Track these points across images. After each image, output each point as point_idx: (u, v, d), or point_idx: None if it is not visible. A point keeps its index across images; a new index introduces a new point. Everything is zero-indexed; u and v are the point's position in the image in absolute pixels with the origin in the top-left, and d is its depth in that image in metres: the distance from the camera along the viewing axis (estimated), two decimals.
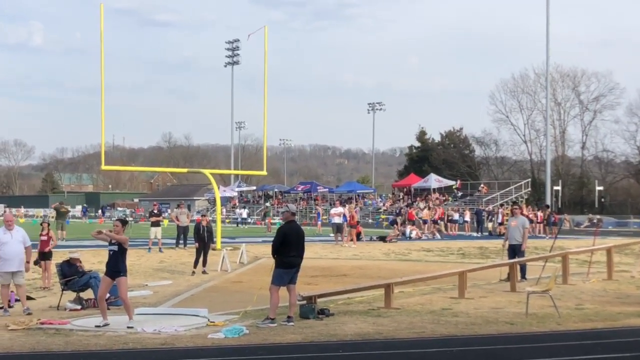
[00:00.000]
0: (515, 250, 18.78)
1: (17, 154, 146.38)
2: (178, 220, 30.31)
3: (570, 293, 16.22)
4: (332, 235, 35.30)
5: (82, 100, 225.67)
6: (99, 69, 26.85)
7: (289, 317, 12.11)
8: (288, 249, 12.21)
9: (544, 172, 63.67)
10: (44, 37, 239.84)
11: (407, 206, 50.66)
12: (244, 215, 63.09)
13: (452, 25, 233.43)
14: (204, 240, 21.43)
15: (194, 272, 20.83)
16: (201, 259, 21.21)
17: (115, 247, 12.23)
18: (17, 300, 14.98)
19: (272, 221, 50.50)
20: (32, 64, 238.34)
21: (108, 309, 14.09)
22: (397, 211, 48.91)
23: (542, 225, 43.57)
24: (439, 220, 44.83)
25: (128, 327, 11.59)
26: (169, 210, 61.73)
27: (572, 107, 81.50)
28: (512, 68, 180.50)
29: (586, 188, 76.30)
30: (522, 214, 21.97)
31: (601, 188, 69.27)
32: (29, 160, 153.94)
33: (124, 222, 13.00)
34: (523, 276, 18.39)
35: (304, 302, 12.88)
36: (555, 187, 61.46)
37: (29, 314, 13.32)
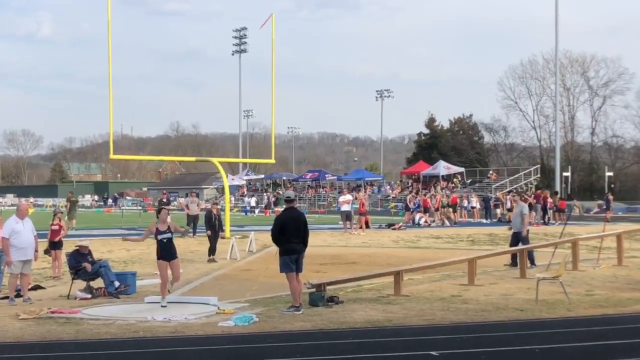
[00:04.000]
0: (517, 237, 18.82)
1: (25, 143, 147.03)
2: (188, 208, 30.33)
3: (581, 279, 16.19)
4: (340, 223, 35.32)
5: (90, 90, 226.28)
6: (106, 59, 26.90)
7: (299, 305, 12.14)
8: (288, 236, 12.14)
9: (554, 158, 63.49)
10: (52, 28, 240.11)
11: (416, 193, 50.51)
12: (253, 204, 63.16)
13: (460, 12, 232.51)
14: (215, 228, 21.52)
15: (211, 259, 20.92)
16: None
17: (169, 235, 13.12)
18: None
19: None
20: (40, 55, 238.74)
21: (118, 297, 14.17)
22: (404, 200, 48.78)
23: (552, 211, 43.42)
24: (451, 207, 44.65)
25: (162, 306, 12.48)
26: (180, 199, 61.78)
27: (581, 93, 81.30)
28: (521, 54, 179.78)
29: (596, 174, 76.04)
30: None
31: (611, 174, 68.99)
32: (38, 150, 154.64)
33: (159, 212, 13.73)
34: (532, 263, 18.35)
35: (313, 289, 12.88)
36: (565, 174, 61.25)
37: (31, 303, 13.40)
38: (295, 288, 12.10)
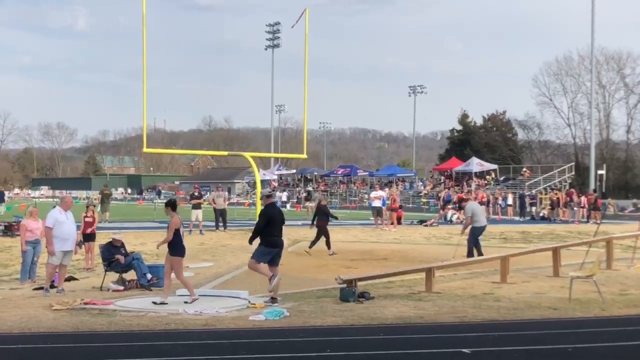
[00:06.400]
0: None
1: (60, 136, 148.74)
2: (215, 203, 30.45)
3: (615, 278, 16.00)
4: (372, 218, 35.27)
5: (124, 84, 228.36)
6: (141, 52, 26.98)
7: (272, 298, 12.41)
8: (272, 229, 12.64)
9: (588, 156, 62.75)
10: (87, 22, 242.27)
11: (448, 189, 50.25)
12: (284, 199, 63.21)
13: (494, 7, 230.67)
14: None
15: (333, 253, 21.06)
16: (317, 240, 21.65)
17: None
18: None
19: (313, 205, 50.54)
20: (75, 48, 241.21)
21: (150, 289, 14.27)
22: (438, 196, 48.56)
23: (584, 209, 42.94)
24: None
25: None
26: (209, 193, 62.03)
27: (617, 90, 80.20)
28: (556, 50, 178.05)
29: (631, 172, 75.10)
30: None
31: None
32: (72, 142, 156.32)
33: (168, 204, 13.27)
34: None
35: (345, 285, 12.87)
36: (600, 172, 60.50)
37: (64, 294, 13.54)
38: (264, 271, 12.61)
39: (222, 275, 16.73)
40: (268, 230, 12.62)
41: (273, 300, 12.35)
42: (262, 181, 55.96)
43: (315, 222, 22.13)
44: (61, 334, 9.82)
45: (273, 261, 12.71)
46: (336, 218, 24.07)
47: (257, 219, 13.34)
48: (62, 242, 13.89)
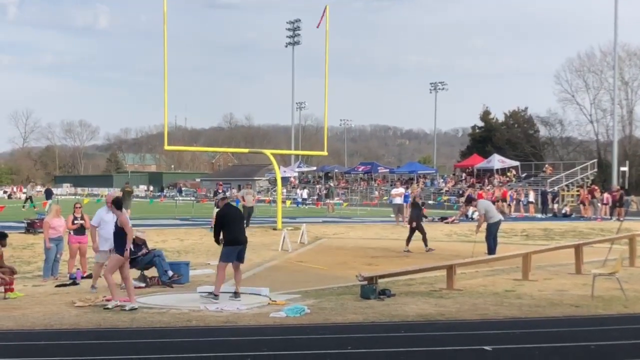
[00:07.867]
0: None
1: (82, 134, 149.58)
2: (244, 200, 30.52)
3: (637, 276, 15.88)
4: (392, 216, 35.20)
5: (146, 82, 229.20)
6: (162, 50, 27.10)
7: (235, 292, 12.62)
8: (231, 228, 12.77)
9: (611, 153, 62.25)
10: (109, 20, 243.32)
11: (469, 187, 50.06)
12: (304, 196, 63.29)
13: (516, 3, 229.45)
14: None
15: (430, 249, 21.53)
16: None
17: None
18: (83, 277, 15.39)
19: (334, 202, 50.50)
20: (97, 46, 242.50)
21: (171, 286, 14.34)
22: (461, 193, 48.38)
23: (606, 206, 42.57)
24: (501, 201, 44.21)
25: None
26: (233, 190, 62.21)
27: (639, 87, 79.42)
28: (577, 47, 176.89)
29: None
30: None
31: None
32: (94, 140, 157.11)
33: (114, 202, 12.85)
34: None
35: (365, 282, 12.86)
36: (622, 168, 59.99)
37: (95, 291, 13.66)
38: (221, 277, 12.67)
39: (243, 272, 16.74)
40: (227, 229, 12.78)
41: (236, 294, 12.56)
42: (283, 178, 56.04)
43: (410, 220, 22.46)
44: (83, 331, 9.88)
45: (238, 257, 12.85)
46: (425, 217, 24.16)
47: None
48: (105, 241, 14.02)
